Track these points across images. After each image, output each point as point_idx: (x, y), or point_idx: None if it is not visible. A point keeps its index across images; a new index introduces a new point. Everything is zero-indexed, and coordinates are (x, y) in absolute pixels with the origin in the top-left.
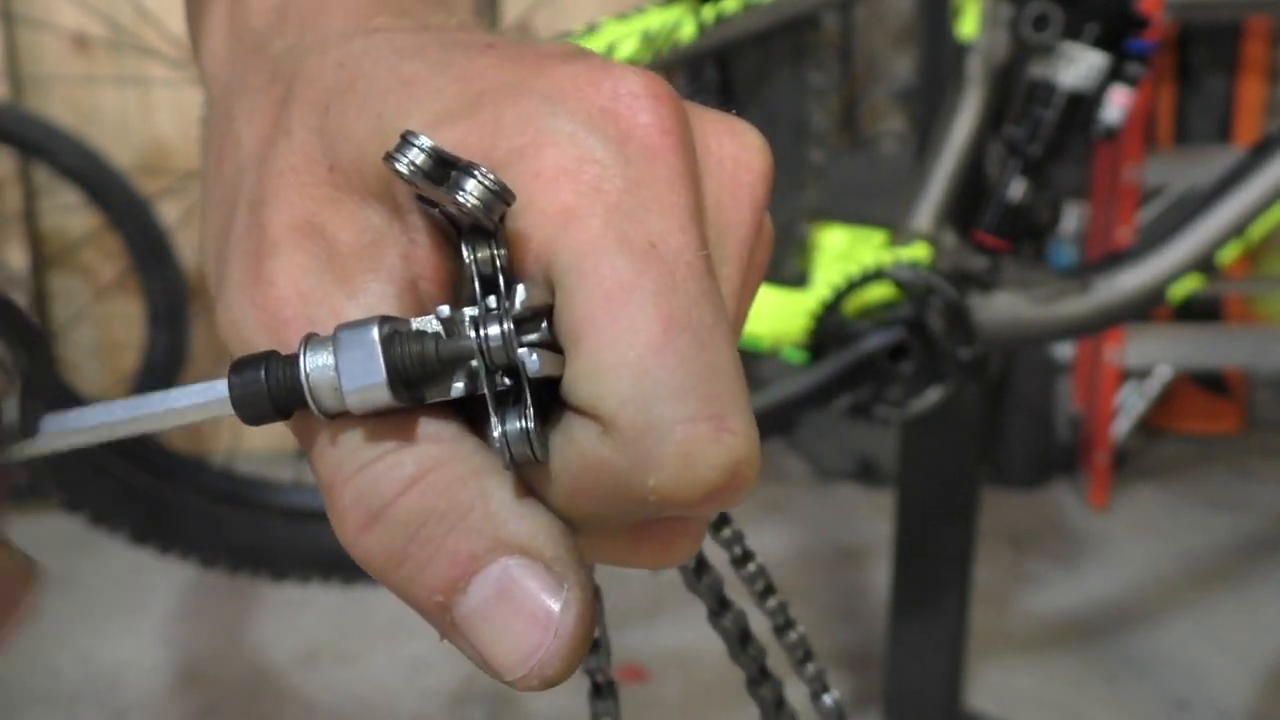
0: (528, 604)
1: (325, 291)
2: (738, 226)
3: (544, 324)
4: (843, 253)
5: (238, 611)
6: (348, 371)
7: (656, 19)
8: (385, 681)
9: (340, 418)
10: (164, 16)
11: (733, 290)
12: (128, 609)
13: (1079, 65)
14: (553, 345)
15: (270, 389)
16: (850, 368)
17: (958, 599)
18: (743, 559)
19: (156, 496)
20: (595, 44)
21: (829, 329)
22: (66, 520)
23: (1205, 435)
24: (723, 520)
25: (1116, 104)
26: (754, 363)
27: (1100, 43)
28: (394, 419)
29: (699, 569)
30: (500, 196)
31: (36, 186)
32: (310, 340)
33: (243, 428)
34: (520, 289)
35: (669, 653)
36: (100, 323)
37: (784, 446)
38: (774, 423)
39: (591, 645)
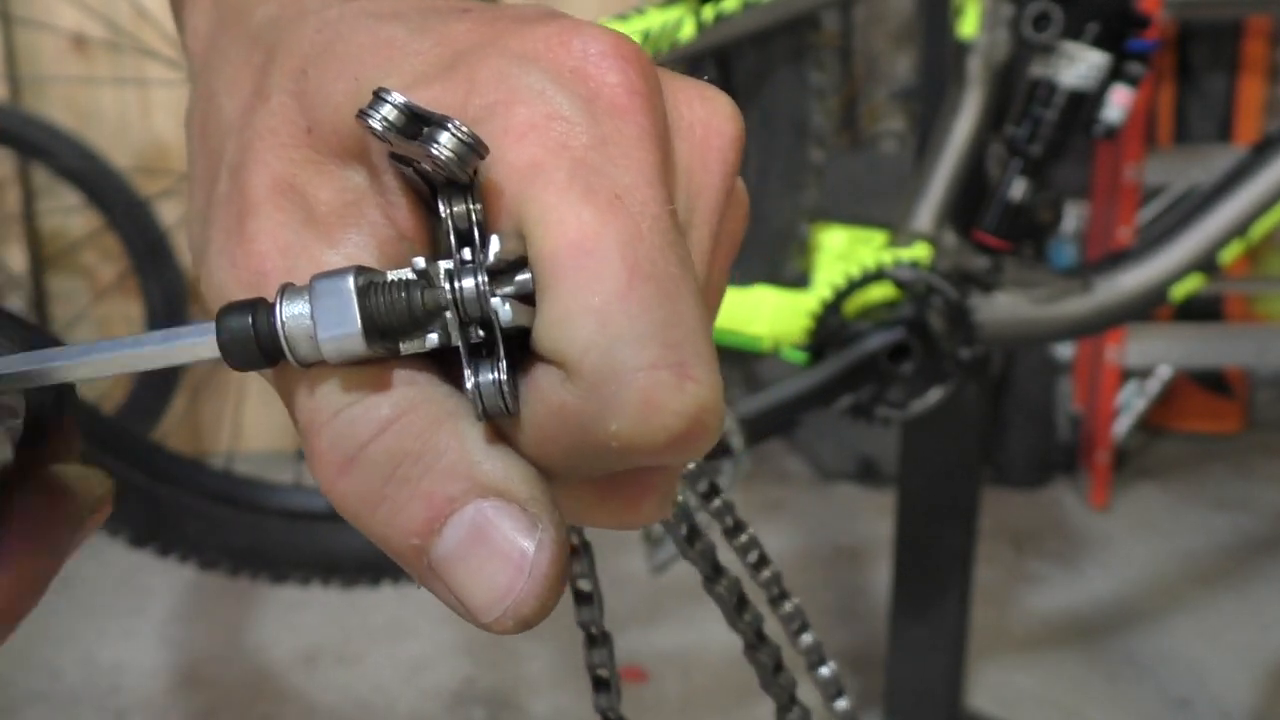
0: (502, 545)
1: (305, 244)
2: (708, 189)
3: (517, 276)
4: (843, 253)
5: (237, 612)
6: (323, 320)
7: (656, 19)
8: (385, 682)
9: (318, 367)
10: (163, 17)
11: (703, 252)
12: (128, 610)
13: (1079, 65)
14: (526, 298)
15: (258, 335)
16: (851, 368)
17: (958, 599)
18: (734, 530)
19: (156, 498)
20: None
21: (829, 329)
22: None
23: (1206, 435)
24: (713, 490)
25: (1117, 103)
26: (754, 363)
27: (1101, 42)
28: (370, 368)
29: (691, 536)
30: (473, 148)
31: (36, 187)
32: (287, 289)
33: (243, 427)
34: (494, 240)
35: (669, 654)
36: (100, 324)
37: (784, 446)
38: (775, 423)
39: (584, 598)
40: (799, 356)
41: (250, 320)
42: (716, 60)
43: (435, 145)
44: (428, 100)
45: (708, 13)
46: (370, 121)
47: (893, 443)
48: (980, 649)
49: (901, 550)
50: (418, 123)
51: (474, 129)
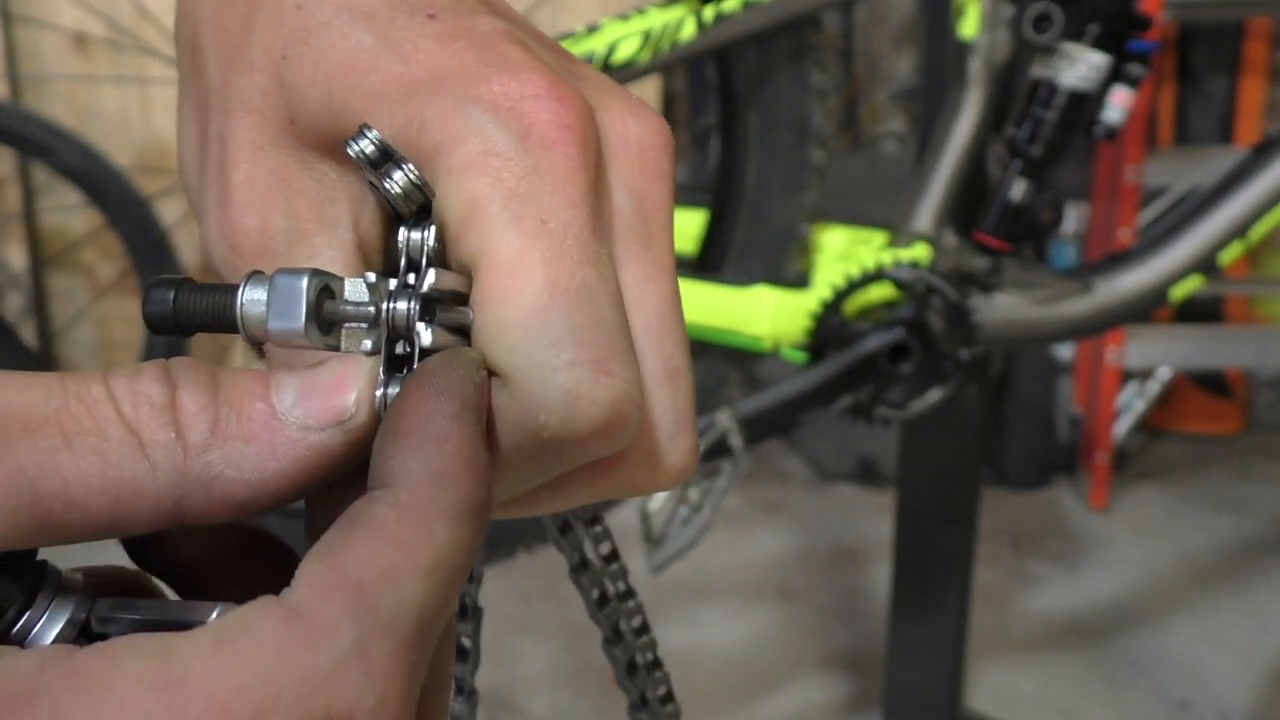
0: None
1: (286, 244)
2: (653, 191)
3: (453, 308)
4: (843, 253)
5: None
6: (275, 309)
7: (657, 19)
8: None
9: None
10: (164, 16)
11: (665, 242)
12: None
13: (1080, 66)
14: (455, 328)
15: (174, 309)
16: (851, 368)
17: (958, 599)
18: (612, 556)
19: None
20: (596, 44)
21: (829, 329)
22: None
23: (1206, 436)
24: (595, 517)
25: (1118, 104)
26: (754, 363)
27: (1101, 43)
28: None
29: (602, 600)
30: (420, 189)
31: (36, 186)
32: (253, 276)
33: None
34: (431, 273)
35: (668, 654)
36: (100, 323)
37: (784, 446)
38: (774, 423)
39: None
40: (799, 356)
41: (172, 296)
42: (717, 61)
43: (389, 180)
44: (390, 129)
45: (709, 13)
46: (350, 151)
47: (893, 443)
48: (979, 650)
49: (901, 550)
50: (385, 157)
51: (428, 164)
